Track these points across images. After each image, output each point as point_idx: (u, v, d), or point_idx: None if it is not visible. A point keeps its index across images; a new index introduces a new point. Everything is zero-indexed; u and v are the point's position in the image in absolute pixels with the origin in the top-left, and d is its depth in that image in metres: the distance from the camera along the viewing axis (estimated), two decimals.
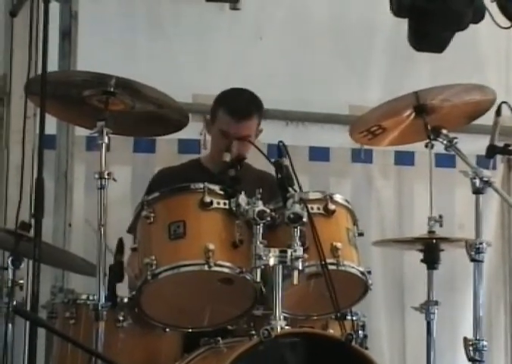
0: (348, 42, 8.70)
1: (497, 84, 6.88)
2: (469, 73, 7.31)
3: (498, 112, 6.49)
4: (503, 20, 8.06)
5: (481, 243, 6.46)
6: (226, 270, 5.95)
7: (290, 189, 6.08)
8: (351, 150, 8.84)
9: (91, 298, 6.16)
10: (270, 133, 7.24)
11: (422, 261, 6.61)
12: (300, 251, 5.88)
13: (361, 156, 8.91)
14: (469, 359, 6.36)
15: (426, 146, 6.69)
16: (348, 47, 8.69)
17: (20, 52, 7.61)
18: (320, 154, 8.71)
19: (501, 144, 6.55)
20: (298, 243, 5.89)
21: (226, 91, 7.25)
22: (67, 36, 8.13)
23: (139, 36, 8.26)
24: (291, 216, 5.94)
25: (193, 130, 7.22)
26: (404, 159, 8.94)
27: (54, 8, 6.39)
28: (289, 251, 5.89)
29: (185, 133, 7.23)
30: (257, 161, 6.95)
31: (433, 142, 6.59)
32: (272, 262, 5.86)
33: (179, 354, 6.20)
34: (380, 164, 8.99)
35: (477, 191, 6.46)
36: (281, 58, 8.38)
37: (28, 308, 5.89)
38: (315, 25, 8.47)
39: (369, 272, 6.22)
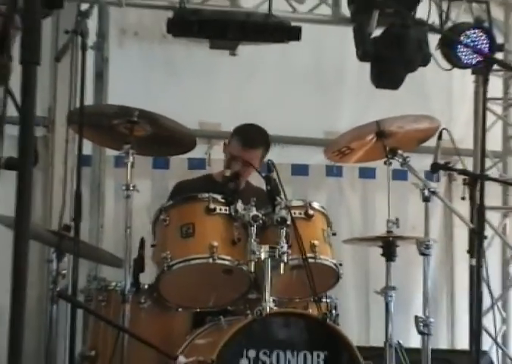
0: (324, 80, 8.70)
1: (440, 114, 6.89)
2: (418, 105, 7.31)
3: (440, 137, 6.51)
4: (445, 64, 8.10)
5: (428, 241, 6.49)
6: (226, 262, 5.97)
7: (277, 197, 6.11)
8: (326, 167, 8.84)
9: (119, 285, 6.15)
10: None
11: (382, 255, 6.60)
12: (285, 247, 5.92)
13: (334, 171, 8.91)
14: (419, 332, 6.38)
15: (385, 163, 6.71)
16: (323, 85, 8.68)
17: (62, 89, 7.58)
18: (300, 170, 8.71)
19: (442, 162, 6.57)
20: (284, 241, 5.94)
21: (245, 125, 7.26)
22: (100, 76, 8.16)
23: (157, 76, 8.27)
24: (279, 219, 5.98)
25: (200, 151, 7.23)
26: (368, 174, 8.92)
27: (90, 54, 6.39)
28: (277, 247, 5.93)
29: (193, 154, 7.21)
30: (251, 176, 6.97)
31: (391, 160, 6.61)
32: (263, 256, 5.91)
33: (189, 329, 6.20)
34: (348, 178, 8.98)
35: (426, 199, 6.48)
36: (269, 93, 8.37)
37: (69, 293, 5.89)
38: (297, 67, 8.47)
39: (340, 264, 6.24)
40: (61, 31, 7.19)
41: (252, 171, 7.09)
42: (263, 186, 6.48)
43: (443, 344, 8.26)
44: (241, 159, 7.07)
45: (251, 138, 7.14)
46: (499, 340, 8.93)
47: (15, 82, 2.88)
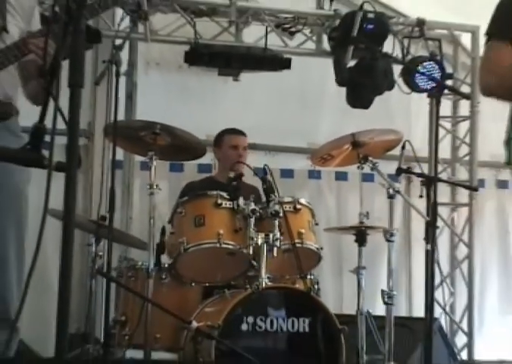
0: (308, 101, 8.69)
1: (402, 129, 6.85)
2: (385, 121, 7.31)
3: (403, 147, 6.49)
4: (406, 89, 8.12)
5: (392, 230, 6.49)
6: (230, 247, 5.98)
7: (271, 195, 6.11)
8: (308, 171, 8.83)
9: (144, 264, 6.14)
10: (255, 159, 7.26)
11: (355, 241, 6.59)
12: (278, 235, 5.95)
13: (314, 175, 8.90)
14: (384, 302, 6.39)
15: (358, 168, 6.70)
16: (307, 104, 8.68)
17: (100, 107, 7.59)
18: (287, 173, 8.67)
19: (405, 167, 6.57)
20: (277, 229, 5.96)
21: (223, 129, 7.31)
22: (130, 97, 8.19)
23: (174, 97, 8.26)
24: (273, 212, 5.99)
25: (208, 157, 7.20)
26: (342, 176, 8.90)
27: (122, 80, 6.37)
28: (271, 235, 5.93)
29: (203, 160, 7.22)
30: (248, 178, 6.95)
31: (362, 165, 6.60)
32: (260, 241, 5.93)
33: (200, 300, 6.19)
34: (326, 180, 8.96)
35: (390, 197, 6.48)
36: (264, 111, 8.35)
37: (105, 270, 5.90)
38: (287, 90, 8.47)
39: (321, 248, 6.26)
40: (100, 61, 7.23)
41: (245, 157, 7.15)
42: (257, 185, 6.55)
43: (402, 312, 8.25)
44: (241, 146, 7.13)
45: (237, 130, 7.24)
46: (447, 309, 8.96)
47: (63, 101, 2.88)
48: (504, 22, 4.20)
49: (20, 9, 4.08)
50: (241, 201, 6.09)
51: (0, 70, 3.95)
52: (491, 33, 4.25)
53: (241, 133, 7.27)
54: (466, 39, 8.85)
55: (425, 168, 7.37)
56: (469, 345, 8.95)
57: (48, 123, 3.02)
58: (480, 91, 4.44)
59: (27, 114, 4.06)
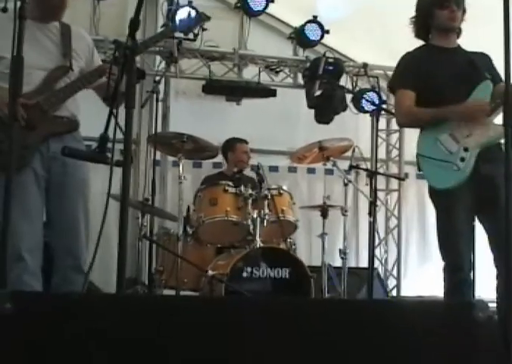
0: (289, 118, 8.64)
1: (353, 137, 6.83)
2: (341, 133, 7.21)
3: (354, 150, 6.47)
4: (355, 110, 8.09)
5: (346, 208, 6.49)
6: (234, 219, 5.96)
7: (263, 183, 6.09)
8: (288, 167, 8.78)
9: (175, 231, 6.13)
10: (251, 159, 7.23)
11: (320, 215, 6.58)
12: (267, 211, 5.93)
13: (292, 170, 8.84)
14: (341, 257, 6.46)
15: (323, 165, 6.69)
16: (288, 120, 8.62)
17: (144, 123, 7.58)
18: (273, 169, 8.59)
19: (355, 164, 6.55)
20: (266, 207, 5.93)
21: (232, 138, 7.28)
22: (165, 116, 8.13)
23: (196, 116, 8.17)
24: (264, 195, 5.97)
25: (219, 157, 7.18)
26: (311, 171, 8.85)
27: (160, 104, 6.38)
28: (262, 211, 5.91)
29: (216, 159, 7.23)
30: (247, 172, 6.92)
31: (326, 163, 6.59)
32: (255, 216, 5.90)
33: (214, 256, 6.17)
34: (300, 174, 8.88)
35: (345, 185, 6.47)
36: (258, 125, 8.26)
37: (148, 235, 5.88)
38: (274, 111, 8.40)
39: (297, 220, 6.23)
40: (144, 90, 7.19)
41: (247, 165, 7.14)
42: (253, 176, 6.54)
43: (352, 264, 8.21)
44: (246, 151, 7.15)
45: (243, 139, 7.25)
46: (383, 261, 8.97)
47: (120, 118, 2.86)
48: (404, 76, 4.25)
49: (80, 52, 4.02)
50: (242, 188, 6.07)
51: (68, 98, 3.90)
52: (394, 86, 4.32)
53: (246, 142, 7.26)
54: None
55: (368, 165, 7.35)
56: (398, 286, 8.97)
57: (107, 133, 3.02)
58: (398, 124, 4.53)
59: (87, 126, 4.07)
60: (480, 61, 4.21)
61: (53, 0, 3.86)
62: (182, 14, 6.77)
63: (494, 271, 4.02)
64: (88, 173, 4.00)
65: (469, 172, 4.00)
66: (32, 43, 3.75)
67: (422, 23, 4.33)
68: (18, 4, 2.78)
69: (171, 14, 7.06)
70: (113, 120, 2.92)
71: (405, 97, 4.22)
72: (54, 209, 3.90)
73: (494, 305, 3.70)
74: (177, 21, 6.26)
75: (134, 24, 2.76)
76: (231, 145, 7.22)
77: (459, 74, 4.14)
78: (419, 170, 4.21)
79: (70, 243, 3.84)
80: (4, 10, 3.14)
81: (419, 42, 4.41)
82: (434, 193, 4.14)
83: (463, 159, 4.02)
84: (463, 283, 4.00)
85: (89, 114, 4.12)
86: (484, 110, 4.02)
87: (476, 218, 4.15)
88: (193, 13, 4.33)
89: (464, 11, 4.28)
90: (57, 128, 3.84)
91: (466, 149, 4.04)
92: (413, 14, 4.38)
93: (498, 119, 4.13)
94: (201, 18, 4.31)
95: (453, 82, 4.12)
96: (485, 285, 4.28)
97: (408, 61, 4.30)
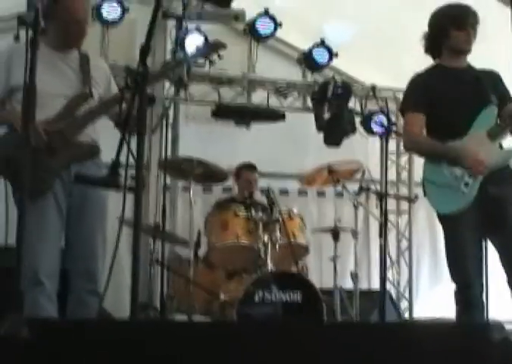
0: (298, 141, 8.60)
1: (363, 160, 6.88)
2: (351, 155, 7.26)
3: (363, 173, 6.49)
4: (364, 133, 8.10)
5: (357, 230, 6.48)
6: (245, 243, 5.96)
7: (273, 207, 6.09)
8: (297, 190, 8.77)
9: (186, 256, 6.12)
10: (261, 182, 7.20)
11: (331, 238, 6.56)
12: (278, 235, 5.93)
13: (302, 193, 8.83)
14: (352, 280, 6.41)
15: (334, 187, 6.69)
16: (297, 144, 8.59)
17: (154, 148, 7.56)
18: (283, 192, 8.58)
19: (365, 186, 6.56)
20: (278, 231, 5.92)
21: (241, 164, 7.26)
22: (174, 141, 8.11)
23: (205, 140, 8.17)
24: (274, 219, 5.96)
25: (229, 182, 7.18)
26: (321, 194, 8.84)
27: (169, 129, 6.40)
28: (273, 235, 5.91)
29: (225, 183, 7.23)
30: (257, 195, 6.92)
31: (336, 185, 6.58)
32: (266, 240, 5.89)
33: (225, 280, 6.16)
34: (310, 197, 8.86)
35: (355, 207, 6.47)
36: (268, 149, 8.26)
37: (160, 260, 5.88)
38: (283, 134, 8.39)
39: (308, 244, 6.24)
40: (155, 115, 7.23)
41: (256, 185, 7.10)
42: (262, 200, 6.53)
43: (364, 286, 8.18)
44: (252, 180, 7.09)
45: (251, 166, 7.18)
46: (395, 283, 8.92)
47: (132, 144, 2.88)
48: (414, 99, 4.26)
49: (99, 80, 4.08)
50: (253, 212, 6.08)
51: (88, 124, 3.94)
52: (403, 109, 4.33)
53: (254, 168, 7.24)
54: None
55: (378, 187, 7.36)
56: (410, 308, 8.92)
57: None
58: (404, 147, 4.56)
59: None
60: (488, 81, 4.23)
61: (72, 28, 3.92)
62: (196, 42, 6.85)
63: (508, 292, 4.01)
64: (107, 198, 4.04)
65: (473, 197, 4.03)
66: (53, 71, 3.90)
67: (434, 41, 4.33)
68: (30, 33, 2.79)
69: (180, 41, 7.13)
70: (125, 146, 2.94)
71: (414, 121, 4.23)
72: (72, 233, 3.93)
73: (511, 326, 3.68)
74: (194, 48, 6.33)
75: (145, 51, 2.79)
76: (238, 172, 7.24)
77: (466, 98, 4.16)
78: (425, 195, 4.24)
79: (87, 266, 3.86)
80: (17, 37, 3.18)
81: (427, 63, 4.42)
82: (441, 216, 4.16)
83: (467, 184, 4.05)
84: (473, 302, 3.99)
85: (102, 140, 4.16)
86: (481, 170, 4.03)
87: (488, 240, 4.14)
88: (209, 40, 4.39)
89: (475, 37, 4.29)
90: (79, 154, 3.89)
91: (470, 174, 4.06)
92: (419, 35, 4.39)
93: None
94: (218, 46, 4.35)
95: (460, 106, 4.14)
96: (500, 306, 4.26)
97: (417, 83, 4.31)
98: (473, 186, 4.03)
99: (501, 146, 4.18)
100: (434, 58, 4.40)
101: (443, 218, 4.15)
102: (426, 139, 4.21)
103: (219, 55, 4.78)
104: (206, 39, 4.54)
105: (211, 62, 6.25)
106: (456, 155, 4.07)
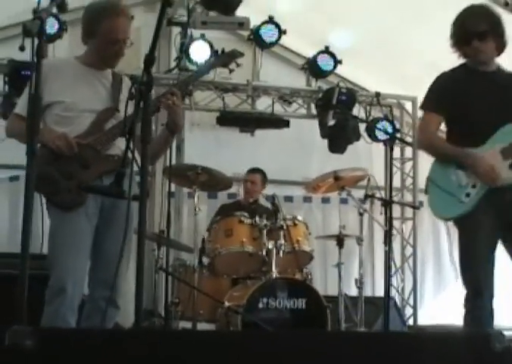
0: (302, 148, 8.64)
1: (368, 167, 6.91)
2: (355, 162, 7.28)
3: (368, 180, 6.49)
4: (368, 140, 8.10)
5: (361, 237, 6.48)
6: (250, 250, 5.98)
7: (278, 214, 6.09)
8: (302, 197, 8.78)
9: (191, 263, 6.13)
10: (266, 189, 7.29)
11: (336, 244, 6.57)
12: (282, 242, 5.94)
13: (307, 200, 8.83)
14: (357, 287, 6.46)
15: (338, 194, 6.70)
16: (302, 151, 8.64)
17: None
18: (288, 199, 8.59)
19: (370, 193, 6.55)
20: (282, 238, 5.93)
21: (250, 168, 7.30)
22: (180, 148, 8.14)
23: (210, 147, 8.22)
24: (279, 226, 5.97)
25: (234, 188, 7.21)
26: (326, 200, 8.85)
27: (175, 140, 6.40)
28: (278, 242, 5.91)
29: (230, 190, 7.23)
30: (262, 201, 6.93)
31: (341, 192, 6.59)
32: (270, 246, 5.90)
33: (230, 287, 6.16)
34: (315, 203, 8.89)
35: (360, 214, 6.48)
36: (272, 156, 8.29)
37: (164, 267, 5.88)
38: (287, 141, 8.44)
39: (313, 251, 6.22)
40: (159, 123, 7.22)
41: (257, 189, 7.14)
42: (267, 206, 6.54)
43: (368, 293, 8.18)
44: (250, 179, 7.20)
45: (252, 169, 7.29)
46: (399, 290, 8.90)
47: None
48: (436, 100, 4.20)
49: (126, 93, 4.07)
50: (257, 218, 6.08)
51: (117, 137, 3.94)
52: (425, 107, 4.27)
53: (258, 171, 7.28)
54: (408, 105, 8.84)
55: (383, 194, 7.36)
56: (414, 315, 8.88)
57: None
58: (417, 145, 4.48)
59: None
60: None
61: (111, 49, 3.96)
62: (203, 49, 6.92)
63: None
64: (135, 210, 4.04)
65: (471, 207, 4.01)
66: (86, 88, 3.97)
67: (459, 48, 4.22)
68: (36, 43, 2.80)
69: (184, 48, 7.14)
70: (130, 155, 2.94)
71: (431, 121, 4.19)
72: (99, 242, 3.94)
73: None
74: (211, 58, 6.35)
75: (149, 60, 2.79)
76: (245, 176, 7.27)
77: (490, 107, 4.08)
78: (426, 193, 4.21)
79: (109, 275, 3.82)
80: (22, 49, 3.20)
81: (431, 71, 4.37)
82: (458, 221, 4.11)
83: (468, 195, 4.03)
84: (481, 310, 3.96)
85: None
86: (494, 178, 3.99)
87: (502, 245, 4.11)
88: (227, 50, 4.43)
89: (498, 34, 4.12)
90: (110, 166, 3.89)
91: (474, 186, 4.04)
92: (427, 42, 4.33)
93: None
94: (236, 55, 4.38)
95: (482, 114, 4.06)
96: (506, 313, 4.25)
97: (442, 83, 4.20)
98: (474, 197, 4.02)
99: None
100: (463, 56, 4.21)
101: (460, 220, 4.09)
102: (441, 139, 4.18)
103: (238, 64, 4.79)
104: (223, 49, 4.57)
105: (231, 71, 6.21)
106: (471, 160, 4.02)
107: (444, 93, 4.15)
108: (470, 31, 4.08)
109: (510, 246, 4.06)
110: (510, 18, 2.74)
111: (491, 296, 3.99)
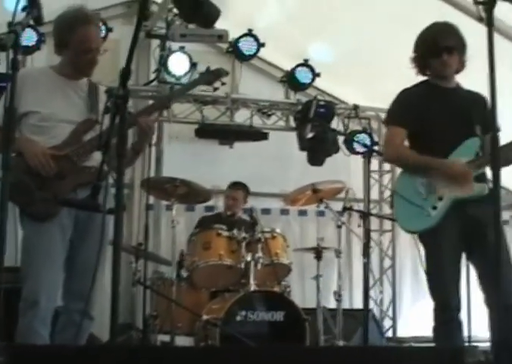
0: (281, 161, 8.60)
1: (346, 179, 6.90)
2: (334, 175, 7.23)
3: (346, 192, 6.50)
4: (347, 152, 8.12)
5: (339, 249, 6.48)
6: (228, 263, 5.96)
7: (256, 226, 6.09)
8: (280, 209, 8.74)
9: (169, 276, 6.11)
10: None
11: (314, 257, 6.57)
12: (261, 254, 5.93)
13: (284, 212, 8.79)
14: (335, 299, 6.41)
15: (317, 206, 6.70)
16: (280, 163, 8.59)
17: (138, 168, 7.56)
18: (266, 211, 8.53)
19: (348, 205, 6.55)
20: (260, 250, 5.93)
21: (232, 182, 7.31)
22: (158, 160, 8.09)
23: (189, 160, 8.12)
24: (257, 238, 5.97)
25: (212, 201, 7.19)
26: (303, 213, 8.83)
27: (153, 149, 6.39)
28: (256, 254, 5.91)
29: (208, 203, 7.22)
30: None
31: (319, 205, 6.59)
32: (249, 259, 5.89)
33: (208, 300, 6.14)
34: (292, 216, 8.84)
35: (338, 226, 6.48)
36: (250, 169, 8.22)
37: (142, 280, 5.85)
38: (266, 155, 8.41)
39: (291, 263, 6.22)
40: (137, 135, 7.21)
41: (238, 205, 7.12)
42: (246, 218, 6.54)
43: (347, 306, 8.15)
44: (232, 196, 7.12)
45: (233, 184, 7.27)
46: (378, 302, 8.93)
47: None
48: (400, 114, 4.25)
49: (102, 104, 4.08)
50: (235, 231, 6.08)
51: (95, 150, 3.92)
52: (388, 122, 4.35)
53: (240, 186, 7.26)
54: None
55: (361, 206, 7.37)
56: (393, 326, 8.92)
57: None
58: (384, 158, 4.53)
59: None
60: (475, 108, 4.16)
61: (85, 58, 3.97)
62: (183, 64, 6.93)
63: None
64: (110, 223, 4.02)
65: (437, 221, 4.04)
66: (62, 98, 3.97)
67: (419, 65, 4.32)
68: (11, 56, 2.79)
69: (163, 60, 7.14)
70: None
71: (396, 134, 4.24)
72: (74, 253, 3.92)
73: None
74: (196, 76, 6.32)
75: (125, 73, 2.79)
76: (227, 189, 7.29)
77: (452, 122, 4.15)
78: (391, 207, 4.24)
79: (83, 287, 3.79)
80: None
81: (409, 84, 4.41)
82: (421, 235, 4.15)
83: (435, 208, 4.07)
84: (450, 322, 3.98)
85: None
86: (467, 177, 4.03)
87: (465, 258, 4.14)
88: (212, 68, 4.43)
89: (462, 52, 4.23)
90: (86, 178, 3.87)
91: (440, 198, 4.08)
92: (405, 56, 4.38)
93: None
94: (221, 73, 4.41)
95: (445, 131, 4.12)
96: (481, 324, 4.25)
97: (407, 98, 4.27)
98: (440, 210, 4.05)
99: (483, 175, 4.15)
100: (423, 75, 4.36)
101: (423, 237, 4.14)
102: (409, 150, 4.22)
103: (223, 83, 4.80)
104: (208, 67, 4.55)
105: (215, 89, 6.18)
106: (444, 165, 4.05)
107: (408, 108, 4.22)
108: (441, 44, 4.17)
109: (474, 259, 4.09)
110: (483, 32, 2.75)
111: (459, 309, 4.01)
